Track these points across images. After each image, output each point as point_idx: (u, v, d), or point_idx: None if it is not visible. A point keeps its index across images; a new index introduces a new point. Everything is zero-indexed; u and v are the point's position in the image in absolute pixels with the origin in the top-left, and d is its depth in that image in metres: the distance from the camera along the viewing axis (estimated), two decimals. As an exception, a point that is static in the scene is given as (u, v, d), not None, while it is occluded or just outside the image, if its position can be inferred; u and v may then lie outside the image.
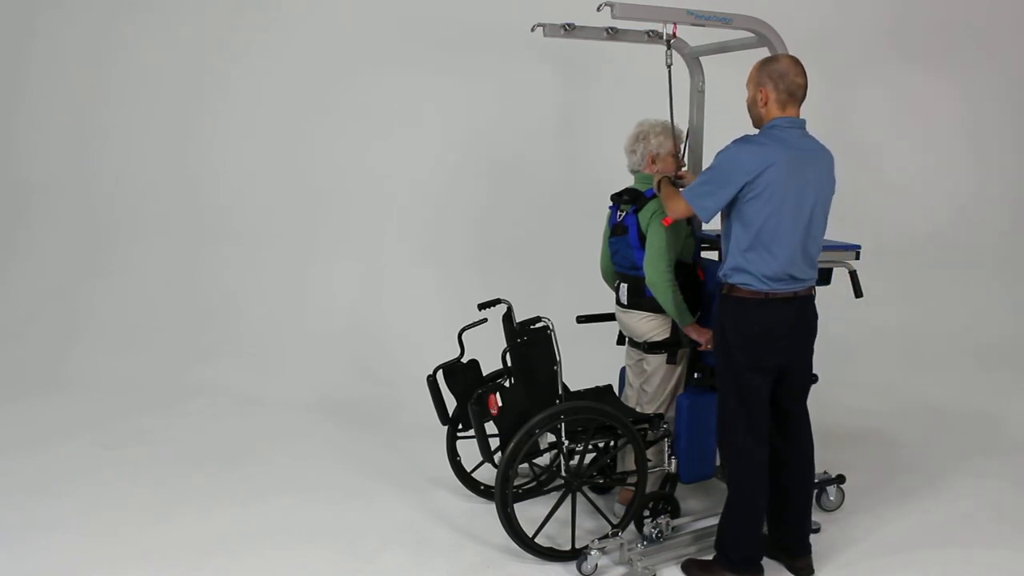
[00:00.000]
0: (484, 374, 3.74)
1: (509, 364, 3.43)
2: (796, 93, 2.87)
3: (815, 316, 3.01)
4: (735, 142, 2.87)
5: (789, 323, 2.92)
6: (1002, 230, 6.19)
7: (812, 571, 3.13)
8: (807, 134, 2.92)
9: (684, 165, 3.58)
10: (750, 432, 2.95)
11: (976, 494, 3.89)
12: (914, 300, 6.00)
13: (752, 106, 2.95)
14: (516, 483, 3.48)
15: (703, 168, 3.75)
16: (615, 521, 3.32)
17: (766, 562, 3.08)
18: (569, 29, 3.50)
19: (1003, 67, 6.13)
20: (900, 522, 3.60)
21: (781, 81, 2.85)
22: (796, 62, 2.89)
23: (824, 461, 3.34)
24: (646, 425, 3.38)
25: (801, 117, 2.92)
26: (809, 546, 3.14)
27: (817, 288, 3.05)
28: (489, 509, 3.43)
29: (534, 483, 3.83)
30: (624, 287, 3.56)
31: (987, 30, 6.08)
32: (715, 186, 2.85)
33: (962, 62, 6.07)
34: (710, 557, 3.11)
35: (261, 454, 4.33)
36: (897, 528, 3.54)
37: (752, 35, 3.33)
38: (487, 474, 3.69)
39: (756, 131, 2.95)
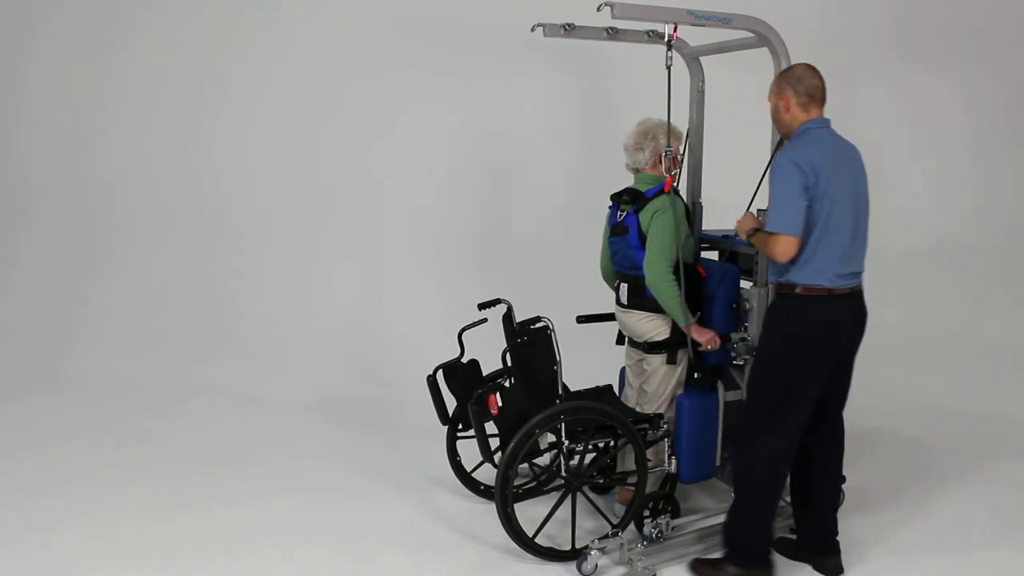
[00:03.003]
0: (484, 374, 3.74)
1: (509, 364, 3.43)
2: (815, 94, 2.93)
3: (866, 311, 3.01)
4: (781, 155, 2.89)
5: (848, 319, 2.94)
6: (1002, 230, 6.19)
7: (842, 570, 3.15)
8: (834, 132, 2.97)
9: (679, 168, 3.57)
10: (787, 433, 2.93)
11: (977, 494, 3.89)
12: (914, 300, 5.99)
13: (777, 115, 3.01)
14: (516, 483, 3.47)
15: (702, 168, 3.78)
16: (615, 521, 3.32)
17: (781, 560, 3.08)
18: (569, 29, 3.50)
19: (1003, 67, 6.13)
20: (900, 522, 3.60)
21: (799, 84, 2.92)
22: (811, 67, 2.96)
23: (824, 461, 3.34)
24: (646, 425, 3.38)
25: (825, 116, 2.96)
26: (838, 545, 3.16)
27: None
28: (489, 509, 3.43)
29: (534, 483, 3.82)
30: (624, 287, 3.56)
31: (987, 30, 6.08)
32: (788, 201, 2.81)
33: (962, 62, 6.07)
34: (718, 555, 3.12)
35: (261, 454, 4.33)
36: (897, 528, 3.55)
37: (752, 35, 3.32)
38: (487, 474, 3.69)
39: (787, 141, 2.99)
